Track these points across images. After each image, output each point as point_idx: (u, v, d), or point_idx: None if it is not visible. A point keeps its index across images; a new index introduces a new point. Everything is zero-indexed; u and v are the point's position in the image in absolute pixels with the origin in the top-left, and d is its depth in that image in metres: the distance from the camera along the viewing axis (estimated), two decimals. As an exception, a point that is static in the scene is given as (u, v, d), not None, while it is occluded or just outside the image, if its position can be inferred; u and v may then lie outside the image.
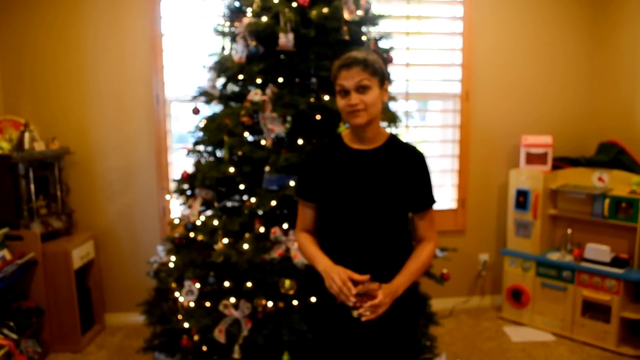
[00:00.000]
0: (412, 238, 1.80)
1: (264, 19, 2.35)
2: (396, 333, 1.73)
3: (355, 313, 1.53)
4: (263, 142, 2.39)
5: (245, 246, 2.26)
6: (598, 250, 3.24)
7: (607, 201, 3.22)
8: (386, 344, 1.73)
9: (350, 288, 1.51)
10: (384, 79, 1.66)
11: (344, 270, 1.56)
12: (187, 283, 2.39)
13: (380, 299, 1.51)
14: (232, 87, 2.65)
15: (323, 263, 1.64)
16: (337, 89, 1.65)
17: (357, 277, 1.54)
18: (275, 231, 2.25)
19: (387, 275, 1.64)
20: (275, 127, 2.34)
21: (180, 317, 2.42)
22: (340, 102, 1.64)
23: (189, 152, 2.69)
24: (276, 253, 2.20)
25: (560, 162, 3.62)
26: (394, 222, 1.69)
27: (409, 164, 1.69)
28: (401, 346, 1.75)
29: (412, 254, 1.71)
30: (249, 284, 2.26)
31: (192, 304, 2.38)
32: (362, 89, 1.60)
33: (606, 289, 3.16)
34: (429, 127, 3.92)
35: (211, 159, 2.61)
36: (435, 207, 1.77)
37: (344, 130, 1.83)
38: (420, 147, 1.77)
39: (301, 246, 1.80)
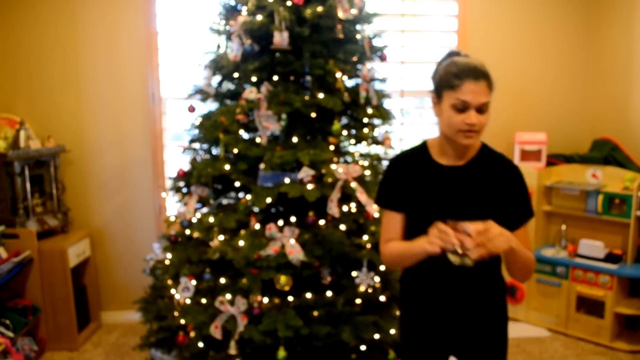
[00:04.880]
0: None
1: (259, 17, 2.36)
2: (487, 341, 1.62)
3: (456, 259, 1.32)
4: (258, 140, 2.40)
5: (241, 243, 2.27)
6: (592, 246, 3.26)
7: (600, 197, 3.24)
8: (479, 348, 1.62)
9: (447, 228, 1.31)
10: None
11: (438, 226, 1.34)
12: (183, 280, 2.40)
13: (486, 224, 1.32)
14: (228, 85, 2.66)
15: (418, 241, 1.41)
16: (450, 101, 1.42)
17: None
18: (271, 228, 2.27)
19: (478, 299, 1.56)
20: (270, 125, 2.35)
21: (176, 313, 2.43)
22: (455, 118, 1.42)
23: (185, 149, 2.70)
24: (272, 249, 2.21)
25: (555, 159, 3.64)
26: None
27: (502, 179, 1.52)
28: (492, 348, 1.64)
29: None
30: (244, 281, 2.27)
31: (188, 301, 2.39)
32: (483, 109, 1.43)
33: (600, 285, 3.19)
34: (424, 125, 3.94)
35: (207, 156, 2.62)
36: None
37: (429, 140, 1.64)
38: (512, 160, 1.59)
39: (390, 254, 1.58)
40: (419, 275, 1.62)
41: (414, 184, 1.55)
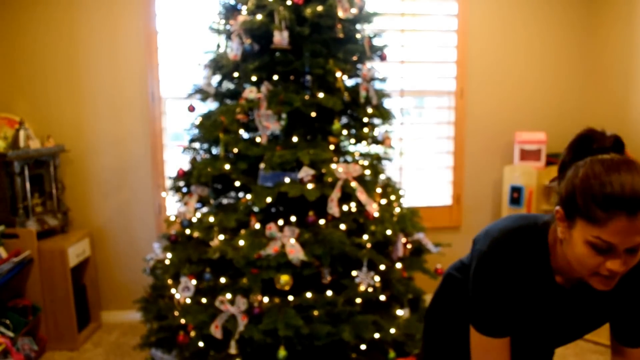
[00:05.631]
0: None
1: (259, 17, 2.36)
2: None
3: None
4: (258, 140, 2.40)
5: (241, 242, 2.27)
6: (591, 246, 3.26)
7: (600, 197, 3.24)
8: None
9: None
10: None
11: None
12: (183, 280, 2.40)
13: None
14: (228, 85, 2.66)
15: None
16: (587, 237, 0.98)
17: None
18: (271, 227, 2.27)
19: None
20: (270, 125, 2.35)
21: (176, 313, 2.43)
22: (591, 260, 0.99)
23: (185, 149, 2.70)
24: (272, 249, 2.22)
25: (554, 159, 3.64)
26: None
27: (630, 296, 1.16)
28: None
29: None
30: (245, 280, 2.28)
31: (188, 301, 2.39)
32: (637, 249, 0.97)
33: (599, 284, 3.19)
34: (424, 124, 3.94)
35: (207, 156, 2.62)
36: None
37: (550, 238, 1.16)
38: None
39: None
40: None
41: (528, 303, 1.17)
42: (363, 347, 2.33)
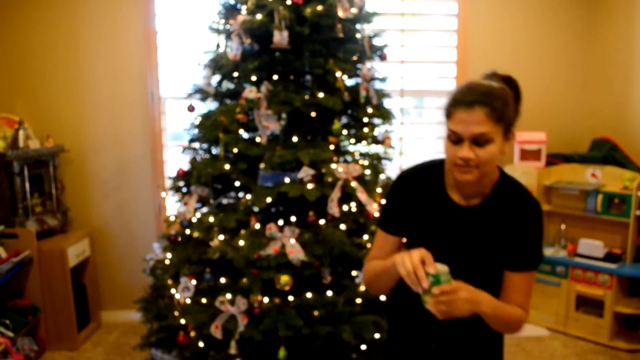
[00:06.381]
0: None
1: (259, 16, 2.35)
2: None
3: (426, 303, 1.20)
4: (258, 139, 2.40)
5: (241, 243, 2.27)
6: (591, 246, 3.27)
7: (600, 197, 3.24)
8: None
9: (421, 270, 1.17)
10: (509, 125, 1.27)
11: (419, 252, 1.20)
12: (183, 280, 2.40)
13: (453, 286, 1.18)
14: (227, 85, 2.66)
15: (394, 257, 1.26)
16: (447, 131, 1.26)
17: (432, 263, 1.19)
18: (271, 227, 2.27)
19: (473, 340, 1.43)
20: (270, 125, 2.34)
21: (176, 313, 2.42)
22: (448, 150, 1.27)
23: (185, 149, 2.70)
24: (272, 249, 2.21)
25: (554, 159, 3.64)
26: (486, 284, 1.32)
27: (516, 222, 1.34)
28: None
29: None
30: (245, 280, 2.27)
31: (188, 301, 2.39)
32: (481, 141, 1.22)
33: (599, 284, 3.19)
34: (424, 124, 3.94)
35: (206, 156, 2.62)
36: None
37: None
38: (534, 197, 1.38)
39: (368, 271, 1.46)
40: (405, 320, 1.52)
41: (421, 214, 1.39)
42: (363, 347, 2.33)
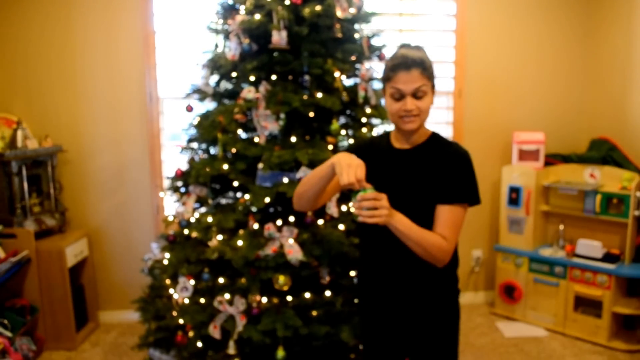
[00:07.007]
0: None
1: (257, 16, 2.35)
2: (435, 342, 1.70)
3: (354, 210, 1.44)
4: (256, 140, 2.40)
5: (240, 243, 2.27)
6: (590, 246, 3.27)
7: (598, 197, 3.25)
8: (429, 349, 1.70)
9: (361, 169, 1.42)
10: (434, 82, 1.60)
11: (358, 165, 1.44)
12: (181, 280, 2.40)
13: (378, 194, 1.41)
14: (226, 85, 2.65)
15: (332, 158, 1.52)
16: (389, 91, 1.56)
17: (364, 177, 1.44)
18: (269, 227, 2.26)
19: (419, 279, 1.64)
20: (268, 125, 2.34)
21: (175, 313, 2.42)
22: (393, 106, 1.56)
23: (183, 149, 2.70)
24: (270, 249, 2.21)
25: (553, 159, 3.64)
26: (421, 219, 1.54)
27: (446, 163, 1.58)
28: (441, 348, 1.71)
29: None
30: (243, 280, 2.27)
31: (186, 301, 2.38)
32: (419, 94, 1.53)
33: (598, 284, 3.19)
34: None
35: (205, 156, 2.62)
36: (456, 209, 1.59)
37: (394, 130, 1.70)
38: (463, 146, 1.64)
39: (302, 182, 1.68)
40: (370, 278, 1.74)
41: (367, 162, 1.56)
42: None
